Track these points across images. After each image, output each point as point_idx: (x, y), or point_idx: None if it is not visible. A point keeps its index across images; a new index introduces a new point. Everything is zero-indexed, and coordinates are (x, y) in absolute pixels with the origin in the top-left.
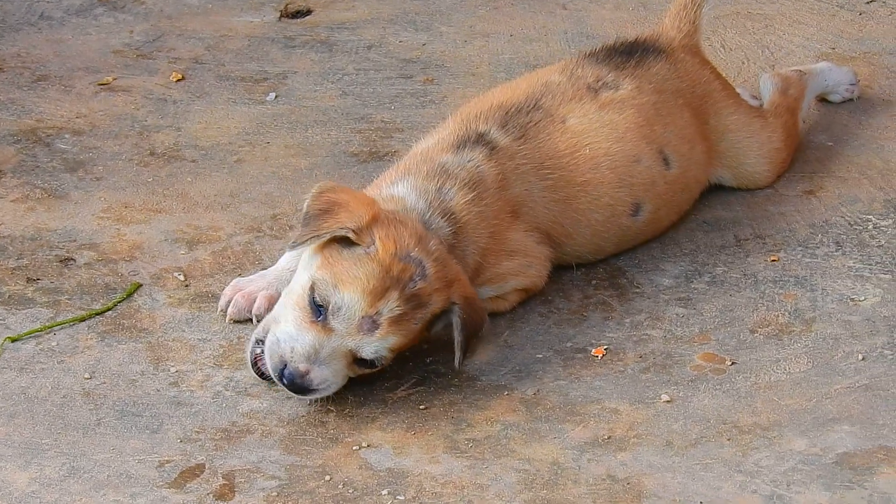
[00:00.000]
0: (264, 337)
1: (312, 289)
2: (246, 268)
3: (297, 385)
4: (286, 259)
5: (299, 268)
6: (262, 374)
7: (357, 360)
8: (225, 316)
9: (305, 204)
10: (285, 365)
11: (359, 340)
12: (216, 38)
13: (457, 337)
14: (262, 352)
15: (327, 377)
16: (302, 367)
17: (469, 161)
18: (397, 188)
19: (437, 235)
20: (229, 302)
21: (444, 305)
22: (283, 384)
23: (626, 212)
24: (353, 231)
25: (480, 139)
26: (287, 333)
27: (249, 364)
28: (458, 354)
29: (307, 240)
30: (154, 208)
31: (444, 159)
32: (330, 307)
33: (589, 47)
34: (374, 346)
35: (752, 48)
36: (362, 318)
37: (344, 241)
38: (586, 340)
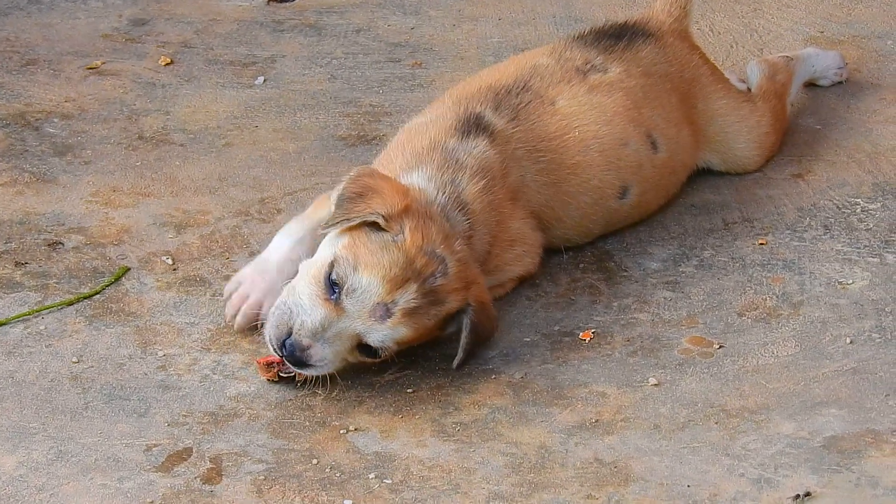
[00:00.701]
0: None
1: (332, 265)
2: (234, 252)
3: (296, 358)
4: (284, 246)
5: (324, 243)
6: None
7: (361, 346)
8: (234, 326)
9: (342, 186)
10: (289, 335)
11: (368, 326)
12: (205, 22)
13: (464, 338)
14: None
15: (326, 356)
16: (305, 341)
17: (475, 148)
18: (414, 177)
19: (460, 233)
20: (236, 313)
21: (459, 306)
22: (282, 353)
23: (614, 194)
24: (384, 217)
25: (480, 122)
26: (299, 305)
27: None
28: (459, 355)
29: (338, 222)
30: (142, 192)
31: (451, 145)
32: (346, 287)
33: (577, 30)
34: (383, 334)
35: (740, 32)
36: (377, 303)
37: (373, 227)
38: (574, 324)
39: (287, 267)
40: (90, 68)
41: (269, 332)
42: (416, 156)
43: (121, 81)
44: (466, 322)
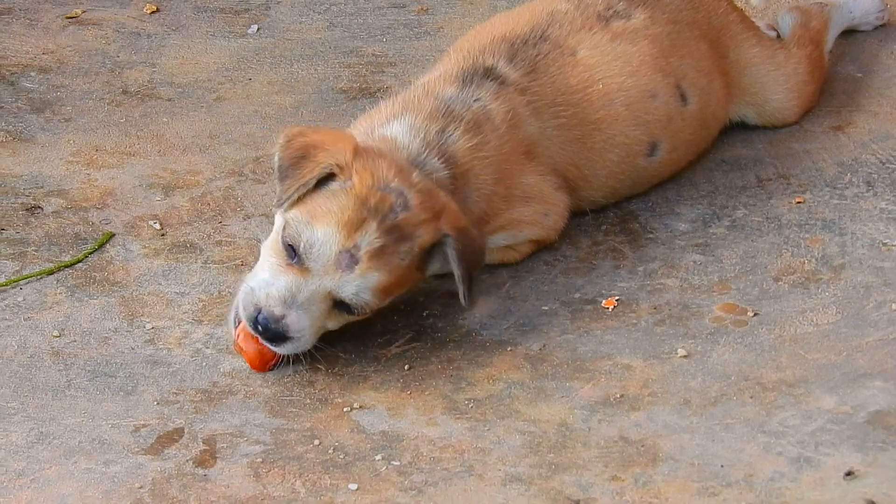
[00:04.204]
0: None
1: (284, 229)
2: (227, 215)
3: (273, 331)
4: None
5: (276, 216)
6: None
7: (338, 304)
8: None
9: (276, 157)
10: (259, 311)
11: (338, 279)
12: None
13: (456, 270)
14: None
15: (304, 324)
16: (277, 310)
17: (475, 100)
18: (391, 127)
19: (426, 171)
20: None
21: (434, 238)
22: (258, 331)
23: (643, 151)
24: (339, 166)
25: (488, 73)
26: (261, 280)
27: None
28: (460, 289)
29: (293, 192)
30: (127, 151)
31: (447, 94)
32: (302, 245)
33: None
34: (356, 284)
35: None
36: (339, 252)
37: (322, 182)
38: (596, 291)
39: None
40: (69, 17)
41: (242, 317)
42: (403, 105)
43: (103, 31)
44: (451, 253)
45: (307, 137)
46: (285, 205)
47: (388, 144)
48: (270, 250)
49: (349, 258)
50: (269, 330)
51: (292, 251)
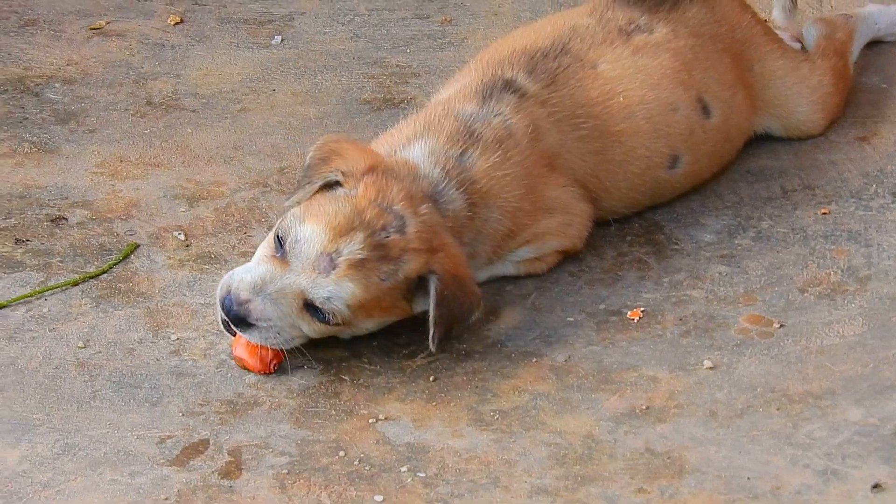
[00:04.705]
0: None
1: (281, 221)
2: (251, 226)
3: (234, 312)
4: None
5: None
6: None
7: (308, 307)
8: None
9: (308, 156)
10: (229, 293)
11: (312, 280)
12: None
13: (431, 310)
14: None
15: (269, 315)
16: (243, 294)
17: (496, 116)
18: (413, 150)
19: (441, 207)
20: None
21: (420, 270)
22: (224, 313)
23: (664, 164)
24: (342, 173)
25: (508, 86)
26: (244, 267)
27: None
28: (430, 330)
29: (301, 188)
30: (152, 162)
31: (468, 112)
32: (290, 239)
33: None
34: (329, 289)
35: None
36: (320, 253)
37: (332, 187)
38: (621, 302)
39: None
40: (94, 28)
41: (216, 298)
42: (425, 125)
43: (127, 42)
44: (432, 291)
45: (337, 145)
46: (292, 200)
47: (409, 171)
48: (265, 241)
49: (328, 262)
50: (230, 311)
51: (280, 244)
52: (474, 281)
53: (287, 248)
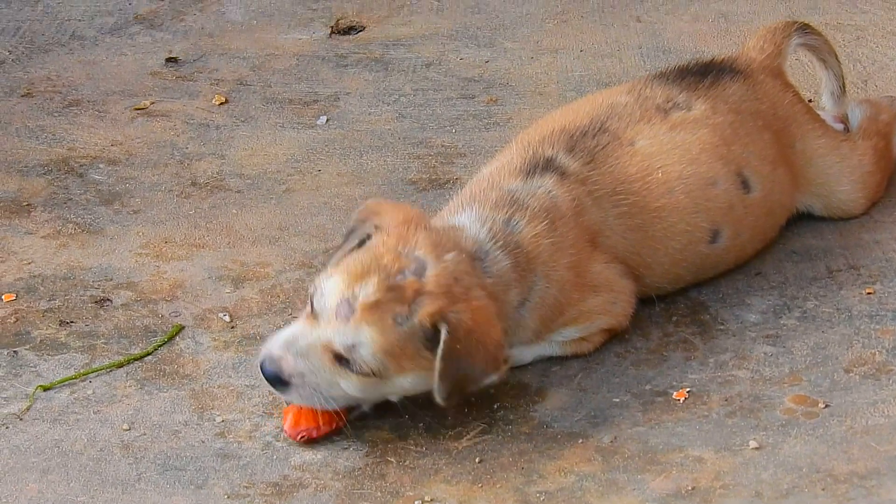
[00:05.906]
0: None
1: (314, 281)
2: (297, 307)
3: (268, 371)
4: None
5: None
6: None
7: (339, 359)
8: None
9: (351, 219)
10: (266, 354)
11: (334, 329)
12: (262, 58)
13: (437, 361)
14: None
15: (302, 370)
16: (276, 352)
17: (540, 188)
18: (460, 217)
19: (486, 267)
20: None
21: (434, 317)
22: (263, 376)
23: (705, 238)
24: (376, 227)
25: (549, 165)
26: (284, 330)
27: None
28: (436, 384)
29: (339, 249)
30: (196, 243)
31: (512, 186)
32: (316, 294)
33: (659, 68)
34: (350, 336)
35: (843, 62)
36: (339, 301)
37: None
38: (667, 382)
39: None
40: (138, 109)
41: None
42: (471, 196)
43: (171, 123)
44: (442, 341)
45: (377, 206)
46: (332, 261)
47: (456, 233)
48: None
49: (347, 308)
50: (264, 370)
51: (312, 302)
52: (500, 343)
53: (314, 304)
